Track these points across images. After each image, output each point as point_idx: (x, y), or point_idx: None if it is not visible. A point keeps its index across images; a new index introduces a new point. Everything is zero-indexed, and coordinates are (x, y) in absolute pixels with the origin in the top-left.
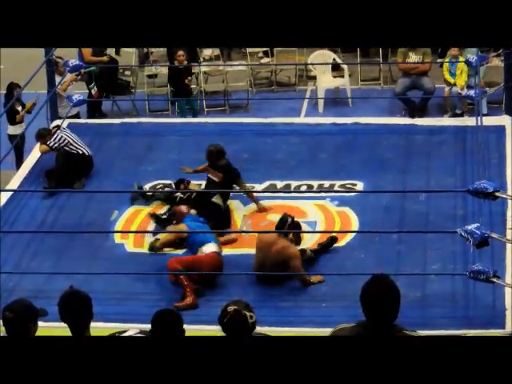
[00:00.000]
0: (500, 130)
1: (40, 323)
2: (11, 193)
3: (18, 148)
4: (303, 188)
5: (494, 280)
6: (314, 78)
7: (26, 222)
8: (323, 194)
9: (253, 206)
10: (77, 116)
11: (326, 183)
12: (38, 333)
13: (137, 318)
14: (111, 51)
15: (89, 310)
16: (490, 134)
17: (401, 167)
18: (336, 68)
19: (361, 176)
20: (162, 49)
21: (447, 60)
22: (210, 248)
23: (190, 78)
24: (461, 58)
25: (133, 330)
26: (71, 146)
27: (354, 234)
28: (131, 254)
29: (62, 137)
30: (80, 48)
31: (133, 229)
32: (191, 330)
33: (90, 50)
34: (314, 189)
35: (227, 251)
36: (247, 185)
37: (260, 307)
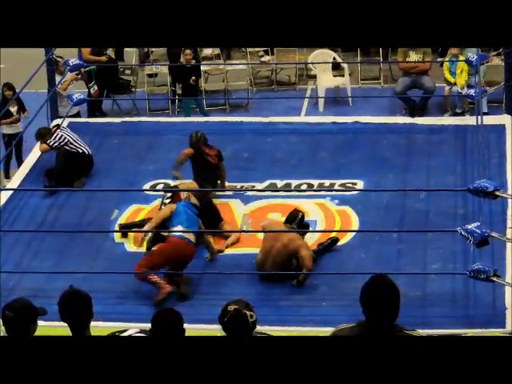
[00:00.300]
0: (500, 129)
1: (40, 322)
2: (11, 192)
3: (12, 146)
4: (303, 187)
5: (494, 279)
6: (315, 77)
7: (26, 221)
8: (323, 193)
9: (253, 206)
10: (77, 115)
11: (327, 182)
12: (38, 332)
13: (137, 317)
14: (111, 51)
15: (89, 309)
16: (490, 133)
17: (401, 166)
18: (336, 67)
19: (361, 175)
20: (162, 48)
21: (447, 59)
22: (177, 230)
23: (193, 78)
24: (461, 57)
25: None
26: (71, 145)
27: (354, 232)
28: (131, 254)
29: (62, 136)
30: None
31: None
32: (191, 329)
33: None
34: (315, 188)
35: (227, 251)
36: (247, 184)
37: (260, 306)
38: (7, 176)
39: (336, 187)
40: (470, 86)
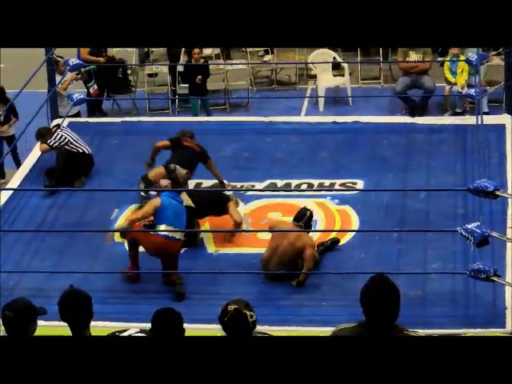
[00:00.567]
0: (500, 129)
1: (40, 322)
2: (11, 192)
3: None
4: (303, 187)
5: (495, 279)
6: (315, 76)
7: (26, 221)
8: (323, 193)
9: (253, 205)
10: (77, 115)
11: (327, 182)
12: (38, 332)
13: (137, 317)
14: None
15: (89, 309)
16: (491, 133)
17: (401, 166)
18: (336, 67)
19: (361, 174)
20: (162, 48)
21: (448, 59)
22: (161, 229)
23: (199, 77)
24: (462, 57)
25: (133, 329)
26: (71, 145)
27: (355, 232)
28: None
29: (62, 136)
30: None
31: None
32: (191, 328)
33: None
34: (315, 188)
35: (227, 251)
36: (247, 184)
37: (260, 306)
38: (2, 176)
39: (336, 187)
40: (470, 86)
